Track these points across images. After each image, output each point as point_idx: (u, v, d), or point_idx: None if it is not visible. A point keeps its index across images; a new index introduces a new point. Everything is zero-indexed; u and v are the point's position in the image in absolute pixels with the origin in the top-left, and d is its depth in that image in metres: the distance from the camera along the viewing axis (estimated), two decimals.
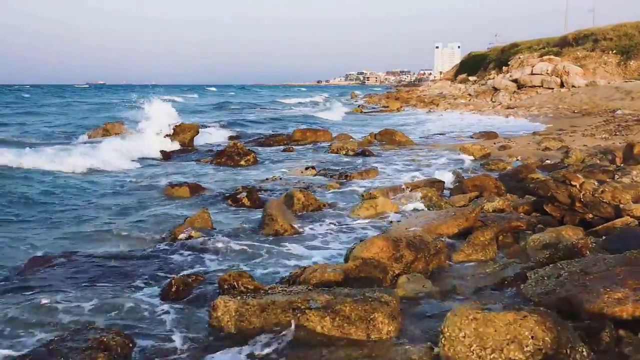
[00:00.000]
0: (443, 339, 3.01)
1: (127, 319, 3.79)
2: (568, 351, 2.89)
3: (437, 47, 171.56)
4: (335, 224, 6.51)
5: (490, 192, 7.15)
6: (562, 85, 31.49)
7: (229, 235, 6.01)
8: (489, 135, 16.53)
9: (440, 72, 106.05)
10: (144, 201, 7.94)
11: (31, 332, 3.59)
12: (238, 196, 7.76)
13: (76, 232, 6.11)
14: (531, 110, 26.20)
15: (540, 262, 4.79)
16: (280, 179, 9.45)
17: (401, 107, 34.30)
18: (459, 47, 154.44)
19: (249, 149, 12.56)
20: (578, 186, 6.23)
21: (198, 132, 15.43)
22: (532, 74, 33.39)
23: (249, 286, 3.88)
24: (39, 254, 5.26)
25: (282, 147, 14.52)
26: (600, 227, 5.68)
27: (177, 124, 15.04)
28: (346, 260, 4.93)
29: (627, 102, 23.59)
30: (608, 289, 3.49)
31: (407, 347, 3.23)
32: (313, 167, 10.42)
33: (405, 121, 24.73)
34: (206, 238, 5.77)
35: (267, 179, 9.49)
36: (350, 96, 57.31)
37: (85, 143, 14.51)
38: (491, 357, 2.91)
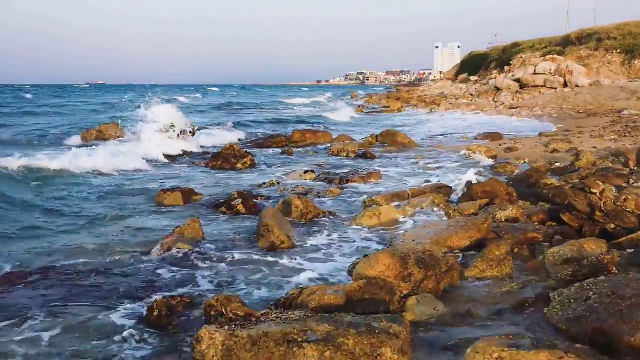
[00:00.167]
0: None
1: (95, 351, 3.32)
2: None
3: (437, 47, 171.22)
4: (335, 235, 6.05)
5: (502, 199, 6.68)
6: (565, 85, 31.01)
7: (221, 247, 5.56)
8: (494, 136, 16.08)
9: (440, 72, 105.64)
10: (132, 208, 7.47)
11: None
12: (232, 203, 7.30)
13: (56, 244, 5.63)
14: (535, 111, 25.73)
15: (563, 279, 4.36)
16: (278, 183, 8.99)
17: (402, 107, 33.78)
18: (458, 47, 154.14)
19: (246, 151, 12.10)
20: (598, 194, 5.78)
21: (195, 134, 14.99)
22: (535, 73, 32.91)
23: (238, 312, 3.42)
24: (11, 269, 4.80)
25: (280, 149, 14.05)
26: (624, 239, 5.22)
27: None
28: (349, 273, 4.49)
29: (632, 102, 23.11)
30: None
31: None
32: (312, 171, 9.96)
33: (407, 122, 24.26)
34: (196, 251, 5.32)
35: (264, 183, 9.03)
36: (350, 96, 56.81)
37: (79, 147, 13.97)
38: None
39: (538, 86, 31.87)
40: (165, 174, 10.64)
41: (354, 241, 5.81)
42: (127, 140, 14.78)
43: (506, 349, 2.68)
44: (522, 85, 32.85)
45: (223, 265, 5.00)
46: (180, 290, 4.40)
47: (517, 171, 9.65)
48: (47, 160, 10.05)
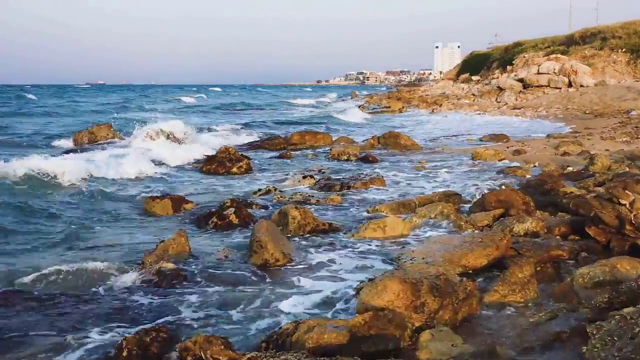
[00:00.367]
0: None
1: None
2: None
3: (437, 47, 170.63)
4: (337, 250, 5.48)
5: (518, 209, 6.11)
6: (570, 84, 30.43)
7: (210, 265, 4.98)
8: (499, 137, 15.52)
9: (440, 72, 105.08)
10: (115, 218, 6.88)
11: None
12: (225, 212, 6.71)
13: (21, 263, 5.02)
14: (539, 111, 25.15)
15: (598, 307, 3.80)
16: (275, 190, 8.40)
17: (403, 107, 33.16)
18: (459, 47, 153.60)
19: (242, 155, 11.52)
20: (628, 205, 5.21)
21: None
22: (538, 73, 32.32)
23: (220, 357, 2.84)
24: None
25: (278, 152, 13.43)
26: None
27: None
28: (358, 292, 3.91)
29: None
30: None
31: None
32: (311, 177, 9.38)
33: (409, 123, 23.67)
34: (180, 270, 4.75)
35: (259, 190, 8.43)
36: (351, 96, 56.24)
37: (68, 150, 13.39)
38: None
39: (542, 86, 31.28)
40: (156, 178, 10.05)
41: (357, 258, 5.23)
42: (118, 143, 14.21)
43: None
44: (526, 85, 32.27)
45: (210, 288, 4.43)
46: (159, 320, 3.83)
47: (528, 175, 9.08)
48: (16, 164, 8.68)
